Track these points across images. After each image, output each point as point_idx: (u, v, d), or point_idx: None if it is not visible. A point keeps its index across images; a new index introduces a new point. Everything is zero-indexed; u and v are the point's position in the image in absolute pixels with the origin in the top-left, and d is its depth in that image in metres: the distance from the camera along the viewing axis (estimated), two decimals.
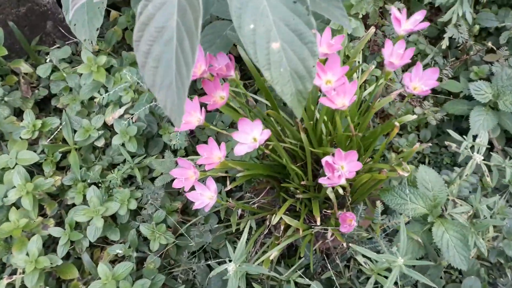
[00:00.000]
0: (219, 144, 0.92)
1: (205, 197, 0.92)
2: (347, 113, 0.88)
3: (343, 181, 0.81)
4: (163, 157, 1.29)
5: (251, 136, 0.85)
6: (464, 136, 1.15)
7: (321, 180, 0.83)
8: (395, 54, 0.88)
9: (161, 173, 1.28)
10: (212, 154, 0.92)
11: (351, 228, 0.90)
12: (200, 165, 1.31)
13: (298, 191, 1.15)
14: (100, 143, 1.32)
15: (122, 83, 1.13)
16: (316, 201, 1.13)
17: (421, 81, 0.86)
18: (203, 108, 0.87)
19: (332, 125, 1.16)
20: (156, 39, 0.55)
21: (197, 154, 0.95)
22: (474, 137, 1.31)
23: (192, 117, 0.89)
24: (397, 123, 1.00)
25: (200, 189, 0.91)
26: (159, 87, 0.55)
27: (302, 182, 1.15)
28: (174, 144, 1.22)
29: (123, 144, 1.26)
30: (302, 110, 0.76)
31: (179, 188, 0.93)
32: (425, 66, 1.55)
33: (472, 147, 1.16)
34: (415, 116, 1.13)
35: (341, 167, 0.87)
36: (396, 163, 1.10)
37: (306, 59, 0.72)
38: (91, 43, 1.07)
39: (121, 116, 1.23)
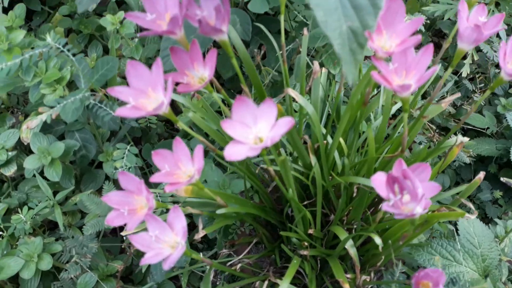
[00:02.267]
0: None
1: (165, 244, 0.52)
2: (408, 108, 0.54)
3: (420, 209, 0.44)
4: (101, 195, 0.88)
5: (254, 130, 0.49)
6: None
7: (385, 207, 0.46)
8: (474, 21, 0.57)
9: (98, 216, 0.86)
10: (179, 168, 0.54)
11: None
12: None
13: (303, 245, 0.77)
14: (10, 171, 0.90)
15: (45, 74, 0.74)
16: (335, 260, 0.75)
17: None
18: (168, 83, 0.50)
19: (349, 144, 0.82)
20: None
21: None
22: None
23: (147, 98, 0.51)
24: (461, 138, 0.68)
25: (155, 227, 0.52)
26: None
27: (310, 231, 0.77)
28: (119, 169, 0.82)
29: (41, 172, 0.85)
30: (357, 73, 0.42)
31: (122, 242, 0.54)
32: (444, 96, 1.28)
33: None
34: (466, 139, 0.81)
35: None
36: (454, 201, 0.76)
37: None
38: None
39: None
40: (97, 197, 0.86)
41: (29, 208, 0.84)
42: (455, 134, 1.20)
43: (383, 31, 0.51)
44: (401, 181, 0.45)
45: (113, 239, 1.01)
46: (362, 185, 0.73)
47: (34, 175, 0.86)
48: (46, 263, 0.78)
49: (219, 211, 0.65)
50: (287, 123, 0.47)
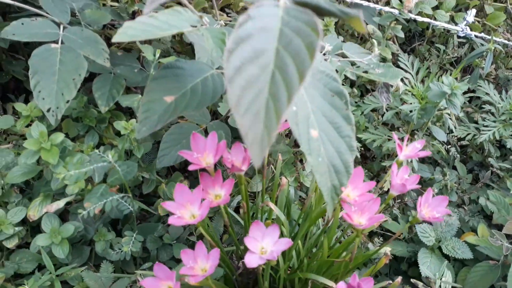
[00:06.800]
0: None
1: None
2: (360, 235, 0.81)
3: None
4: (95, 271, 1.02)
5: (260, 244, 0.71)
6: (435, 274, 1.13)
7: None
8: (400, 178, 0.87)
9: None
10: (197, 263, 0.74)
11: None
12: None
13: None
14: (11, 243, 1.01)
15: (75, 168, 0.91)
16: None
17: (430, 207, 0.84)
18: (205, 201, 0.72)
19: (308, 249, 1.06)
20: (251, 60, 0.43)
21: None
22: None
23: (185, 210, 0.72)
24: (387, 249, 0.95)
25: None
26: (243, 112, 0.41)
27: None
28: (121, 251, 0.98)
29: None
30: (333, 210, 0.67)
31: None
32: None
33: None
34: (389, 248, 1.09)
35: None
36: None
37: (343, 153, 0.67)
38: (55, 116, 0.88)
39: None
40: (93, 273, 1.00)
41: (34, 281, 0.96)
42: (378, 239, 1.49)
43: (349, 185, 0.78)
44: None
45: None
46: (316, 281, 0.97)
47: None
48: None
49: None
50: (286, 242, 0.70)
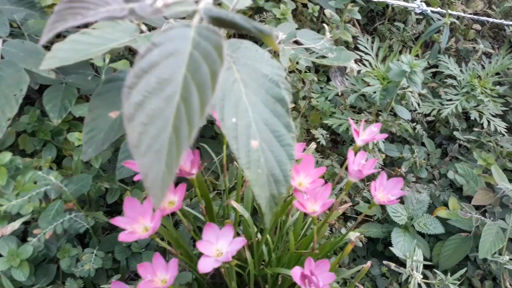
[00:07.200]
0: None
1: None
2: (315, 221, 0.80)
3: None
4: None
5: (215, 246, 0.70)
6: (405, 254, 1.13)
7: None
8: (357, 164, 0.86)
9: None
10: (156, 276, 0.73)
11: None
12: None
13: None
14: None
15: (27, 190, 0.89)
16: None
17: (385, 191, 0.84)
18: (156, 212, 0.70)
19: (276, 243, 1.05)
20: (155, 92, 0.41)
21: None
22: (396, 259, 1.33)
23: (138, 224, 0.70)
24: (354, 235, 0.95)
25: None
26: (144, 150, 0.39)
27: None
28: (81, 268, 0.96)
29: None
30: (271, 218, 0.65)
31: None
32: (340, 190, 1.60)
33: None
34: (357, 234, 1.09)
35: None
36: (349, 285, 1.01)
37: (283, 162, 0.65)
38: None
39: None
40: None
41: None
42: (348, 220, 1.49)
43: (300, 173, 0.77)
44: (310, 278, 0.69)
45: None
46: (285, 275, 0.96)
47: None
48: None
49: None
50: (239, 242, 0.69)
